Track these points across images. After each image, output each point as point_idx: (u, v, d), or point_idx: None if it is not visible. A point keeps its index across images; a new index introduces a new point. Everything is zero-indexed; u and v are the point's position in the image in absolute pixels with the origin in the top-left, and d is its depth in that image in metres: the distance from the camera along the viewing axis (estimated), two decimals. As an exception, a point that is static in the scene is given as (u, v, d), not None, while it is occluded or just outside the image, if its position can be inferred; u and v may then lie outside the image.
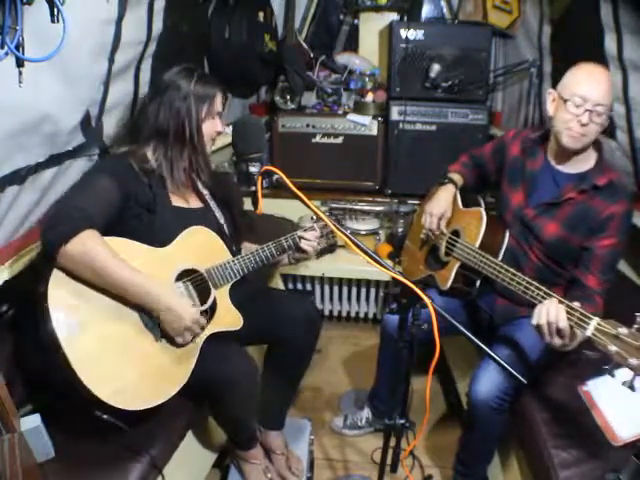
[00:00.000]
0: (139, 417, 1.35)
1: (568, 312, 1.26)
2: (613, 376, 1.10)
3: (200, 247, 1.52)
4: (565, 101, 1.49)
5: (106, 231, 1.37)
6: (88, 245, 1.27)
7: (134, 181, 1.46)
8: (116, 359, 1.31)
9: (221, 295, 1.53)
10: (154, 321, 1.38)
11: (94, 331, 1.30)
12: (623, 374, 1.09)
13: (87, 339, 1.28)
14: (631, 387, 1.08)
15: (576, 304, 1.25)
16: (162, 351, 1.39)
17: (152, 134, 1.50)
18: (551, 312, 1.28)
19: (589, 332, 1.17)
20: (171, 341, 1.41)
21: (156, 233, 1.46)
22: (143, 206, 1.46)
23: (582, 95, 1.46)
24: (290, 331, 1.68)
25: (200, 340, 1.46)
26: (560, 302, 1.28)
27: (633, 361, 1.06)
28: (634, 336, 1.07)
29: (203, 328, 1.44)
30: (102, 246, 1.29)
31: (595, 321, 1.17)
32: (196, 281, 1.50)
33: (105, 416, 1.29)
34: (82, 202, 1.35)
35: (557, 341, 1.31)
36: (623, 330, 1.09)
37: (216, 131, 1.57)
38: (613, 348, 1.09)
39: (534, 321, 1.32)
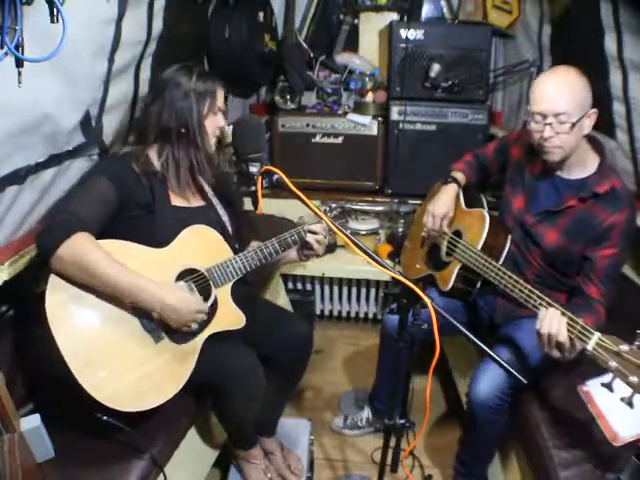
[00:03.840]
0: (140, 417, 1.35)
1: (569, 324, 1.24)
2: (612, 391, 1.10)
3: (201, 246, 1.52)
4: (528, 121, 1.49)
5: (104, 233, 1.38)
6: (79, 247, 1.28)
7: (133, 183, 1.46)
8: (114, 362, 1.32)
9: (223, 294, 1.52)
10: (154, 324, 1.38)
11: (92, 335, 1.31)
12: (622, 389, 1.08)
13: (85, 343, 1.29)
14: (630, 404, 1.06)
15: (580, 320, 1.23)
16: (161, 354, 1.39)
17: (156, 135, 1.50)
18: (553, 325, 1.26)
19: (590, 346, 1.16)
20: (171, 340, 1.41)
21: (156, 233, 1.46)
22: (142, 207, 1.46)
23: (539, 112, 1.45)
24: (278, 353, 1.67)
25: (200, 340, 1.46)
26: (563, 314, 1.27)
27: (633, 379, 1.05)
28: (635, 354, 1.06)
29: (206, 314, 1.43)
30: (94, 248, 1.30)
31: (596, 336, 1.16)
32: (197, 280, 1.49)
33: (105, 417, 1.29)
34: (77, 205, 1.36)
35: (555, 353, 1.30)
36: (624, 347, 1.08)
37: (218, 127, 1.55)
38: (613, 364, 1.08)
39: (538, 326, 1.30)
